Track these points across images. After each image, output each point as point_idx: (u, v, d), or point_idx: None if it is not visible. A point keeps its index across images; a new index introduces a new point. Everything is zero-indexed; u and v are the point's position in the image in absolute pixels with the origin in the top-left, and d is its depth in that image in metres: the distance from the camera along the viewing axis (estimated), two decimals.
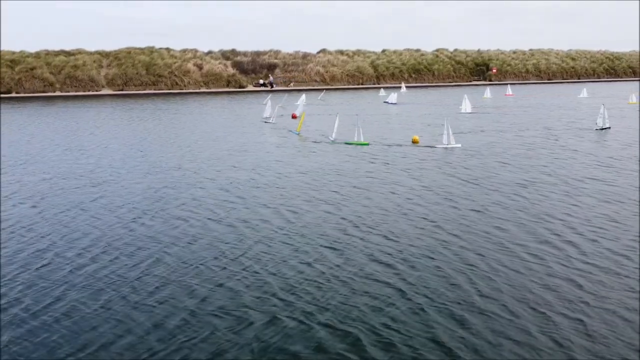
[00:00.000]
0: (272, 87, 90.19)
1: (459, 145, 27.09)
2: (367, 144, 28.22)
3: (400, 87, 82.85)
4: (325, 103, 59.19)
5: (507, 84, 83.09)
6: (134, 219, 15.08)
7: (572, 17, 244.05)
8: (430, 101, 60.99)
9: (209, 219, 14.95)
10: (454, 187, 18.37)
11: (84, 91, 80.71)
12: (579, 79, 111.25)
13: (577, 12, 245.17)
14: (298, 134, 32.25)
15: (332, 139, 29.58)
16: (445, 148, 26.59)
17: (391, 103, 57.31)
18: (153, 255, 12.16)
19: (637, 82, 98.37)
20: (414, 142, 28.56)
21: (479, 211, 15.27)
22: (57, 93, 79.11)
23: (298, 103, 46.60)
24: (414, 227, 13.94)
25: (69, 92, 79.97)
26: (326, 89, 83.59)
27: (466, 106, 45.49)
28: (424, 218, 14.70)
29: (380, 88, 76.87)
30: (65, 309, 9.60)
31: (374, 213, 15.28)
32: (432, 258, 11.68)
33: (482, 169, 21.35)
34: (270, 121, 39.37)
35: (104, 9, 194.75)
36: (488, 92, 66.38)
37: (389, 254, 12.01)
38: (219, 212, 15.62)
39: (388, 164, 22.93)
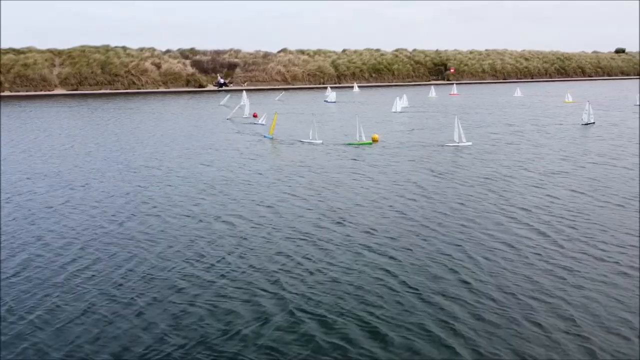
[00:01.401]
0: (220, 87, 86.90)
1: (470, 143, 26.65)
2: (370, 144, 27.45)
3: (352, 87, 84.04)
4: (283, 102, 58.99)
5: (452, 83, 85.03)
6: (110, 219, 14.61)
7: (528, 19, 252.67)
8: (371, 100, 61.41)
9: (186, 216, 14.67)
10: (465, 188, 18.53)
11: (35, 91, 77.50)
12: (532, 78, 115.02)
13: (534, 15, 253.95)
14: (272, 138, 30.03)
15: (319, 141, 27.84)
16: (457, 146, 26.01)
17: (330, 102, 58.53)
18: (135, 255, 11.89)
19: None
20: (374, 140, 28.35)
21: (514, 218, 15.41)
22: (7, 93, 75.63)
23: (243, 103, 44.71)
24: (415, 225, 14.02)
25: (19, 91, 76.62)
26: (285, 89, 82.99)
27: (397, 106, 46.49)
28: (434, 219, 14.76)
29: (327, 87, 75.87)
30: (51, 311, 9.34)
31: (370, 213, 15.30)
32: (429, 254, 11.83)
33: (492, 169, 21.60)
34: (260, 122, 37.00)
35: (55, 6, 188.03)
36: (433, 91, 68.08)
37: (374, 247, 12.18)
38: (195, 210, 15.38)
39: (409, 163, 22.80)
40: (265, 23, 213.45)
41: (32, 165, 22.76)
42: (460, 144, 26.25)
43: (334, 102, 58.26)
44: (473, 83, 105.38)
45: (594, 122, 34.83)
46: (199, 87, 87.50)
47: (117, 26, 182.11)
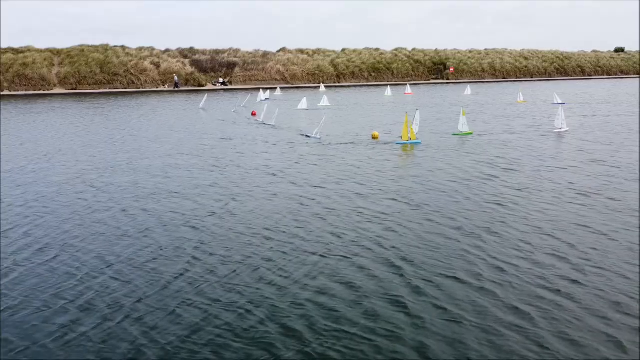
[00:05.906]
0: (176, 87, 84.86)
1: (568, 129, 29.25)
2: (471, 133, 28.63)
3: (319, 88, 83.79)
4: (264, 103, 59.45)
5: (405, 84, 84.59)
6: (207, 207, 14.42)
7: (524, 19, 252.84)
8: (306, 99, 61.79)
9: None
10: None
11: (34, 90, 77.30)
12: (532, 77, 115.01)
13: (529, 13, 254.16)
14: (420, 143, 25.45)
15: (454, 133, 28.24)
16: (559, 131, 28.69)
17: (264, 100, 61.37)
18: (223, 237, 11.69)
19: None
20: (374, 137, 27.68)
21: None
22: (6, 92, 75.39)
23: (241, 101, 45.49)
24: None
25: (17, 91, 76.41)
26: (266, 88, 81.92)
27: (302, 104, 50.17)
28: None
29: (276, 87, 77.68)
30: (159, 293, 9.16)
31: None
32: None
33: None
34: (314, 135, 28.82)
35: (55, 6, 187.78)
36: (389, 90, 69.69)
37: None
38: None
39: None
40: (264, 22, 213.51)
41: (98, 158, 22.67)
42: (562, 130, 28.77)
43: (267, 99, 61.57)
44: (420, 83, 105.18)
45: None
46: (198, 87, 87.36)
47: (115, 26, 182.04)
